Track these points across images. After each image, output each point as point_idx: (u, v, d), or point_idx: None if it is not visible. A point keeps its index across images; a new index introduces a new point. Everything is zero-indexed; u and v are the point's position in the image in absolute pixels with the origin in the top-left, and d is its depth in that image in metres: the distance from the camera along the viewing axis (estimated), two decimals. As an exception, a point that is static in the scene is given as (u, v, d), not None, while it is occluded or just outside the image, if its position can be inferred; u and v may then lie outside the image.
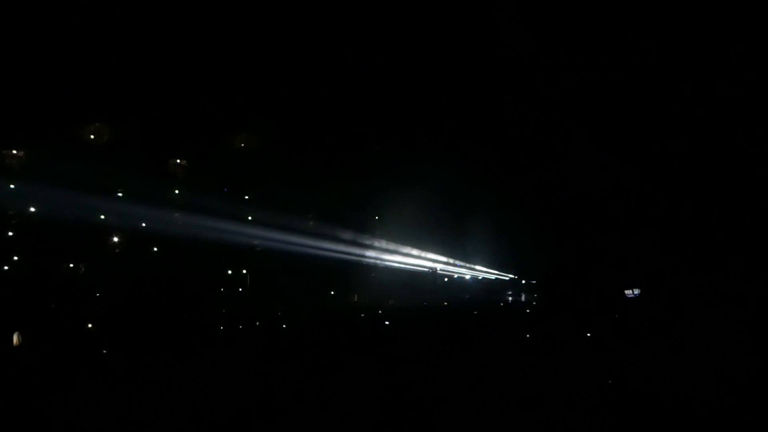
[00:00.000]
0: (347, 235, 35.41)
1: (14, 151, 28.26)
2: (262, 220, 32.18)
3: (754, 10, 22.12)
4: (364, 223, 36.67)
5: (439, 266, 40.80)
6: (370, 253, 36.99)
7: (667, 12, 23.93)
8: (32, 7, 25.12)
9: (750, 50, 22.99)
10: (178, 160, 32.00)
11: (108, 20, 26.32)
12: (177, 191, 31.45)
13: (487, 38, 27.55)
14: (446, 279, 42.16)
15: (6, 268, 27.74)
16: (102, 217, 29.03)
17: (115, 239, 30.22)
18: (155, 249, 30.71)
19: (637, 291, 30.37)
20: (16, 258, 27.96)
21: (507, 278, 42.59)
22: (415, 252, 38.68)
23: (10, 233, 28.01)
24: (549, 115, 30.17)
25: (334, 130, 33.94)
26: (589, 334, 20.46)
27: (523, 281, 42.54)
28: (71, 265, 29.06)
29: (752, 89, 23.58)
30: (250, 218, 32.62)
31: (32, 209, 27.77)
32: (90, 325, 23.49)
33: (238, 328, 24.77)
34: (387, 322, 26.38)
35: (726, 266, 24.25)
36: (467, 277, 42.85)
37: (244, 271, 33.63)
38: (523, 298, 42.28)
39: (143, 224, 29.45)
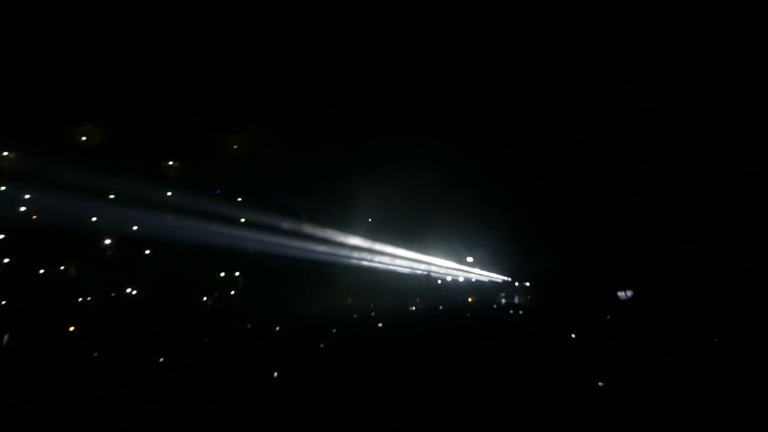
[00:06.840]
0: (340, 237, 35.38)
1: (5, 153, 28.11)
2: (255, 222, 32.14)
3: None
4: (357, 225, 36.65)
5: (432, 268, 40.82)
6: (363, 255, 36.97)
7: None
8: (28, 7, 24.99)
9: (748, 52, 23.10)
10: (170, 162, 31.91)
11: (102, 21, 26.23)
12: (169, 193, 31.34)
13: (484, 37, 27.52)
14: (439, 281, 42.17)
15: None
16: (93, 219, 28.90)
17: (107, 241, 30.07)
18: (147, 251, 30.59)
19: (629, 293, 30.49)
20: (7, 260, 27.76)
21: (500, 280, 42.59)
22: (408, 255, 38.67)
23: (1, 236, 27.81)
24: (547, 117, 30.23)
25: (327, 133, 33.89)
26: (581, 336, 20.48)
27: (517, 283, 42.57)
28: (62, 267, 28.88)
29: (748, 92, 23.69)
30: (242, 220, 32.56)
31: (22, 210, 27.60)
32: (81, 328, 23.33)
33: (230, 330, 24.61)
34: (380, 324, 26.31)
35: (718, 268, 24.36)
36: (460, 279, 42.87)
37: (237, 274, 33.55)
38: (516, 300, 42.34)
39: (134, 226, 29.35)
